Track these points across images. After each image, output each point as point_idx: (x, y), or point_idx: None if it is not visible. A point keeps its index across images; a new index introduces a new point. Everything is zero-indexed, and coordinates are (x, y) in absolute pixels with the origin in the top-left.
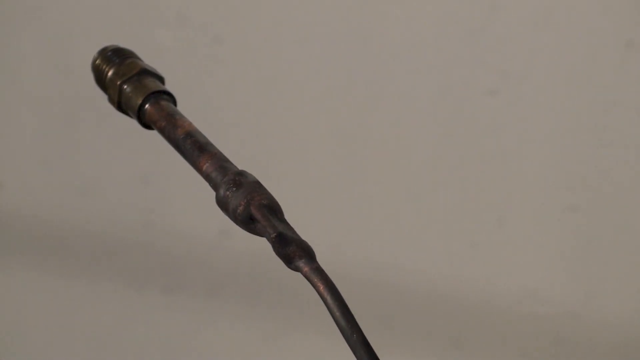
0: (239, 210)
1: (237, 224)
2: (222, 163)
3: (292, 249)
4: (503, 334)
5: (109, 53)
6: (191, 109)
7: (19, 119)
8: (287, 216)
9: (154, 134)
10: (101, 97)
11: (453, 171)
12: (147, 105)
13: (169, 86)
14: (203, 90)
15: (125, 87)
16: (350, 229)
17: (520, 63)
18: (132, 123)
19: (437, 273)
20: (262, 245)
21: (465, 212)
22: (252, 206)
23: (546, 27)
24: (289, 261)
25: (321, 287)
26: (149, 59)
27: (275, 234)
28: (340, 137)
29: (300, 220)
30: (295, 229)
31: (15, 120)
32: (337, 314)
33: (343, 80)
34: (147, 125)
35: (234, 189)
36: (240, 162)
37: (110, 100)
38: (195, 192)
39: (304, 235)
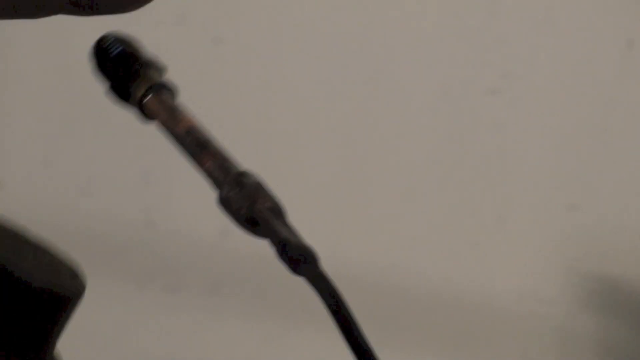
0: (241, 212)
1: (239, 225)
2: (224, 162)
3: (296, 253)
4: (503, 334)
5: (110, 41)
6: (190, 109)
7: (19, 119)
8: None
9: (154, 134)
10: (102, 97)
11: (453, 170)
12: (148, 98)
13: None
14: (203, 90)
15: (126, 77)
16: (349, 229)
17: (521, 62)
18: (133, 123)
19: (436, 273)
20: (263, 245)
21: (465, 212)
22: (255, 208)
23: (546, 27)
24: (292, 265)
25: (323, 293)
26: None
27: (278, 239)
28: (340, 137)
29: (299, 220)
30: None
31: (15, 120)
32: (339, 319)
33: (343, 80)
34: (147, 118)
35: (237, 189)
36: (239, 162)
37: (110, 89)
38: (196, 191)
39: (304, 237)
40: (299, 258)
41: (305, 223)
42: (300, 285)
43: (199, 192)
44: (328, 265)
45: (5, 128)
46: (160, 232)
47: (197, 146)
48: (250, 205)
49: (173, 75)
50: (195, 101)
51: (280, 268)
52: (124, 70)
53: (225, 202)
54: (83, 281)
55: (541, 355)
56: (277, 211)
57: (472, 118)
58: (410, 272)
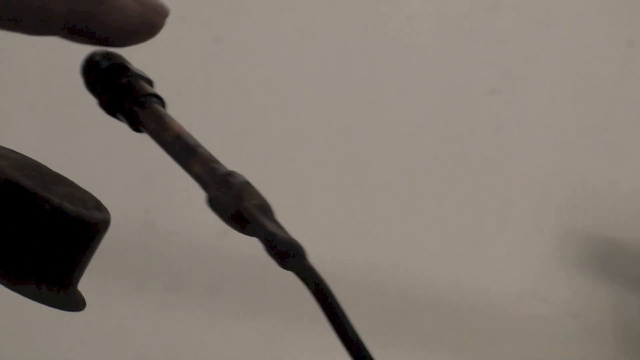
0: (229, 211)
1: (227, 224)
2: (211, 164)
3: (283, 248)
4: (503, 334)
5: (98, 57)
6: (191, 109)
7: (19, 119)
8: (286, 217)
9: None
10: None
11: (453, 171)
12: (136, 108)
13: (168, 86)
14: (203, 90)
15: (114, 91)
16: (349, 229)
17: (521, 62)
18: None
19: (436, 273)
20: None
21: (465, 212)
22: (242, 206)
23: (546, 27)
24: (280, 260)
25: (311, 285)
26: (149, 59)
27: (265, 234)
28: (340, 137)
29: (298, 220)
30: (293, 230)
31: (15, 121)
32: (329, 311)
33: (343, 79)
34: (137, 128)
35: (224, 189)
36: (239, 161)
37: (101, 104)
38: (196, 191)
39: (301, 236)
40: (285, 252)
41: (305, 224)
42: (300, 285)
43: (199, 192)
44: (325, 265)
45: (5, 128)
46: (160, 232)
47: (185, 152)
48: (237, 203)
49: (173, 75)
50: (195, 101)
51: (279, 268)
52: (114, 83)
53: (214, 202)
54: (108, 212)
55: (541, 355)
56: (264, 208)
57: (472, 118)
58: (410, 273)
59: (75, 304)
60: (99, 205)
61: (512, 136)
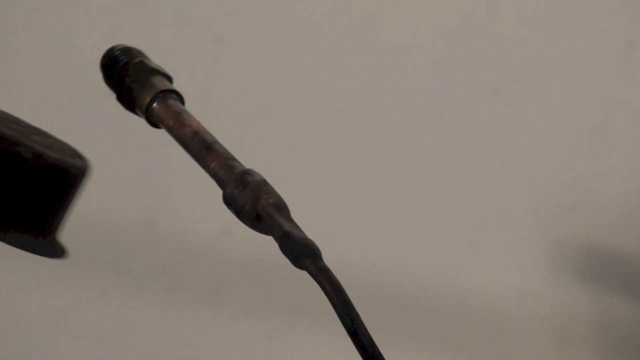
0: (245, 209)
1: (243, 222)
2: (229, 162)
3: (299, 248)
4: (503, 334)
5: (118, 52)
6: (191, 109)
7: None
8: None
9: (155, 134)
10: (102, 97)
11: (453, 171)
12: (155, 104)
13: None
14: (203, 90)
15: (133, 85)
16: (349, 229)
17: (521, 62)
18: (133, 122)
19: (436, 273)
20: (263, 246)
21: (465, 211)
22: (258, 205)
23: (546, 27)
24: (295, 260)
25: (327, 286)
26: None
27: (281, 233)
28: (340, 137)
29: (298, 221)
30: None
31: None
32: (343, 312)
33: (343, 79)
34: (154, 123)
35: (241, 187)
36: (243, 161)
37: (119, 98)
38: (196, 191)
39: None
40: (301, 251)
41: (305, 223)
42: (300, 285)
43: (199, 192)
44: (328, 265)
45: None
46: (160, 232)
47: (202, 148)
48: (254, 201)
49: (173, 75)
50: (195, 101)
51: (280, 268)
52: (132, 79)
53: (230, 200)
54: (87, 160)
55: (541, 355)
56: (280, 207)
57: (472, 118)
58: (410, 272)
59: (56, 251)
60: (77, 154)
61: (512, 136)
